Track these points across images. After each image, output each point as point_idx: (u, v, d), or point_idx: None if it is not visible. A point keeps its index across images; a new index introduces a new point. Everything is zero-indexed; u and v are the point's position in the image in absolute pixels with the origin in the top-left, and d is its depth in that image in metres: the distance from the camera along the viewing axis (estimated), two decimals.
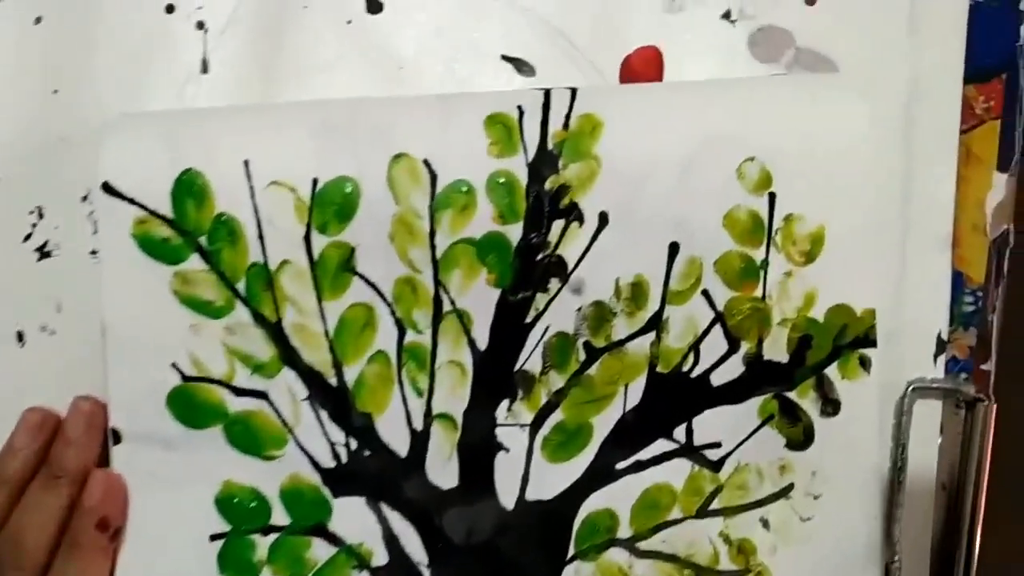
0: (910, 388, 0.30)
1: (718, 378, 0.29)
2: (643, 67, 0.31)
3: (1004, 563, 0.30)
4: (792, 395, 0.29)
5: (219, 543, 0.29)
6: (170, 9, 0.32)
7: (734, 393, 0.29)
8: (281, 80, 0.32)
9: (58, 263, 0.31)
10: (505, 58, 0.31)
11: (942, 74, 0.31)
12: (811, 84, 0.30)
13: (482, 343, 0.29)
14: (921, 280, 0.30)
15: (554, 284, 0.29)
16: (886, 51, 0.31)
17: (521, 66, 0.31)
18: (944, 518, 0.30)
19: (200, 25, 0.32)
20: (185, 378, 0.30)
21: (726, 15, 0.31)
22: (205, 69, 0.32)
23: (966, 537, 0.30)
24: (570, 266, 0.29)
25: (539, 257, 0.29)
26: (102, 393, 0.30)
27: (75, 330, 0.31)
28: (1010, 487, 0.30)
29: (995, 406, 0.30)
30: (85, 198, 0.31)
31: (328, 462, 0.30)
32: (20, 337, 0.31)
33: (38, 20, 0.32)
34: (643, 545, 0.29)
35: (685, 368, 0.29)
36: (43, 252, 0.31)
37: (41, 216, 0.32)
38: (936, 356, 0.30)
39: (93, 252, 0.31)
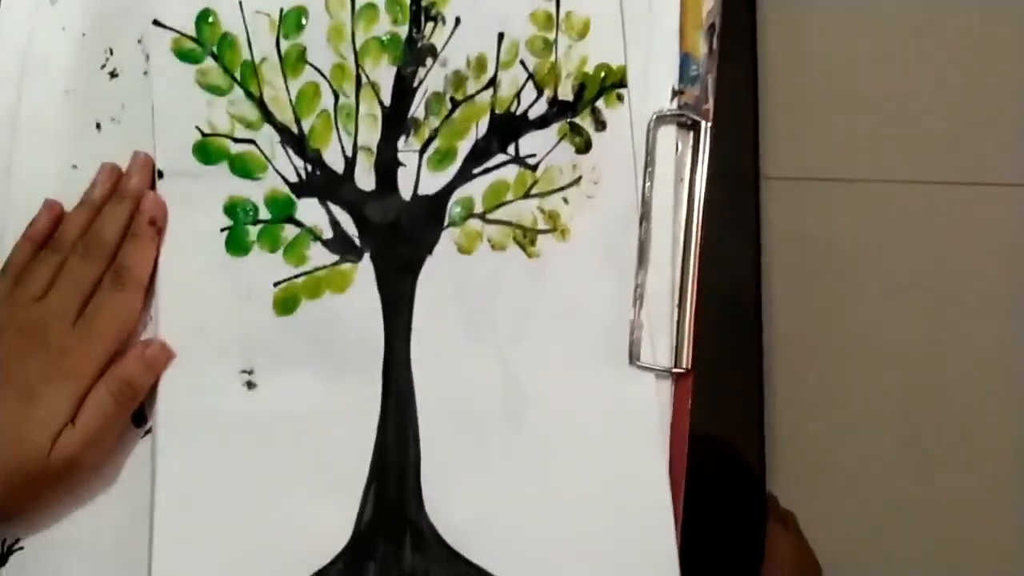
0: (655, 116, 0.47)
1: (532, 113, 0.47)
2: None
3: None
4: (577, 120, 0.47)
5: (225, 233, 0.46)
6: None
7: (543, 122, 0.47)
8: None
9: (123, 80, 0.49)
10: None
11: None
12: None
13: (387, 101, 0.47)
14: (662, 57, 0.48)
15: (429, 61, 0.47)
16: None
17: None
18: (685, 204, 0.47)
19: None
20: (204, 135, 0.47)
21: None
22: None
23: (697, 210, 0.47)
24: (439, 49, 0.47)
25: (419, 44, 0.47)
26: (151, 151, 0.48)
27: (133, 120, 0.48)
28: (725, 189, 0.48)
29: (711, 126, 0.47)
30: (139, 40, 0.49)
31: (294, 179, 0.47)
32: (99, 126, 0.49)
33: None
34: (490, 216, 0.47)
35: (512, 109, 0.47)
36: (113, 74, 0.49)
37: (112, 53, 0.50)
38: (672, 99, 0.48)
39: (144, 73, 0.49)
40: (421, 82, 0.47)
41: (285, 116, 0.47)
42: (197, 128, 0.47)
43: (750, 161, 0.50)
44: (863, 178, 0.92)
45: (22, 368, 0.43)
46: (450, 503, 0.44)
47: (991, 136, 1.00)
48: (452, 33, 0.47)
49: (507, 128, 0.47)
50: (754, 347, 0.48)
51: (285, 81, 0.47)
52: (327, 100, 0.47)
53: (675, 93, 0.48)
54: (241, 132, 0.47)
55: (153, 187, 0.47)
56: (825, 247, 0.92)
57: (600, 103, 0.47)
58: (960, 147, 0.99)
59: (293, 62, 0.47)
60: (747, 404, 0.48)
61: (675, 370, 0.45)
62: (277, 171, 0.47)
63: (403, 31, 0.47)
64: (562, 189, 0.47)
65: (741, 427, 0.48)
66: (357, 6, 0.47)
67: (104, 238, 0.46)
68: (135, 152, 0.47)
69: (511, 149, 0.47)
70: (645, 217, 0.46)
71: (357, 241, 0.46)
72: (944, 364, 0.97)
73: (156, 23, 0.47)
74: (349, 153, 0.47)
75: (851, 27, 0.95)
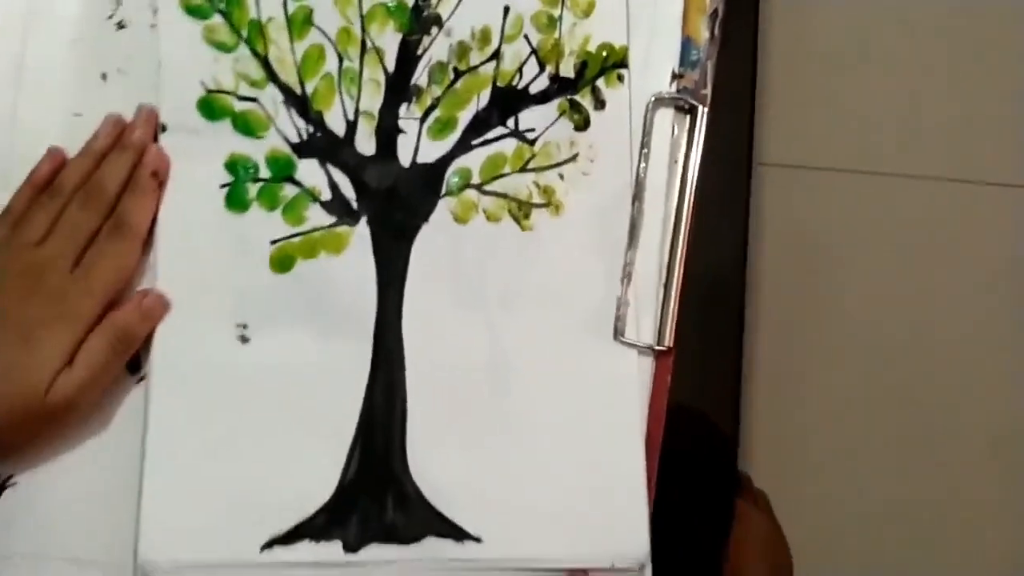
0: (653, 98, 0.48)
1: (533, 88, 0.48)
2: None
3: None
4: (577, 97, 0.48)
5: (226, 189, 0.47)
6: None
7: (543, 97, 0.48)
8: None
9: (129, 31, 0.49)
10: None
11: None
12: None
13: (391, 68, 0.48)
14: (663, 40, 0.49)
15: (434, 30, 0.48)
16: None
17: None
18: (677, 186, 0.48)
19: None
20: (208, 91, 0.48)
21: None
22: None
23: (689, 193, 0.48)
24: (444, 18, 0.48)
25: (425, 13, 0.48)
26: (156, 104, 0.48)
27: (139, 72, 0.49)
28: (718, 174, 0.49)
29: (707, 110, 0.48)
30: None
31: (295, 139, 0.48)
32: (104, 76, 0.49)
33: None
34: (487, 188, 0.48)
35: (514, 83, 0.48)
36: (120, 25, 0.50)
37: (119, 3, 0.50)
38: (671, 83, 0.49)
39: (152, 25, 0.49)
40: (425, 50, 0.48)
41: (289, 77, 0.48)
42: (202, 84, 0.47)
43: (744, 147, 0.51)
44: (854, 169, 0.93)
45: (20, 311, 0.44)
46: (434, 464, 0.46)
47: (986, 133, 1.01)
48: (458, 3, 0.48)
49: (508, 101, 0.48)
50: (735, 330, 0.49)
51: (291, 42, 0.48)
52: (331, 63, 0.48)
53: (674, 76, 0.49)
54: (245, 90, 0.48)
55: (156, 140, 0.47)
56: (813, 235, 0.94)
57: (600, 82, 0.48)
58: (954, 144, 1.00)
59: (299, 23, 0.48)
60: (725, 386, 0.49)
61: (657, 347, 0.47)
62: (279, 131, 0.47)
63: None
64: (558, 165, 0.48)
65: (719, 408, 0.49)
66: None
67: (105, 188, 0.46)
68: (139, 104, 0.48)
69: (511, 122, 0.48)
70: (638, 197, 0.47)
71: (355, 204, 0.47)
72: (923, 355, 0.99)
73: None
74: (351, 117, 0.48)
75: (852, 19, 0.96)
